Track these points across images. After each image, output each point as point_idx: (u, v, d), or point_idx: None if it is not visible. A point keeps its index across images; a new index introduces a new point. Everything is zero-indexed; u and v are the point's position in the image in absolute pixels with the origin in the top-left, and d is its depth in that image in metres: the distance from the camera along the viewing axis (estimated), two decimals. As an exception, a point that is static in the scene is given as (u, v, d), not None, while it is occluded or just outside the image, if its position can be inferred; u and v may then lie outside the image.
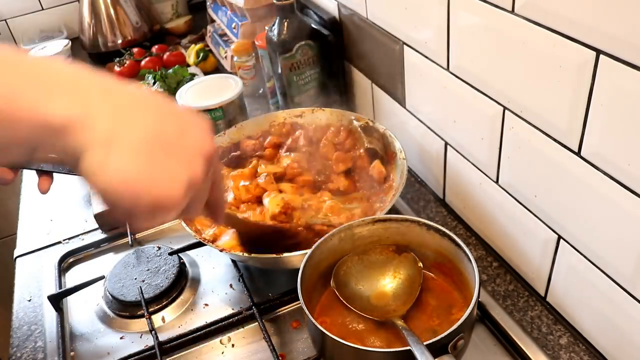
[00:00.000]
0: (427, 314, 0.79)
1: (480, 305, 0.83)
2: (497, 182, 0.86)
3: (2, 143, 0.42)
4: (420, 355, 0.63)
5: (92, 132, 0.41)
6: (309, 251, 0.78)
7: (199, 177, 0.47)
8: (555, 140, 0.69)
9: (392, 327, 0.75)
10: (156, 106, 0.47)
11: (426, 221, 0.80)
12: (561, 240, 0.76)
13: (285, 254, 0.83)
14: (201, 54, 1.70)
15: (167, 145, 0.45)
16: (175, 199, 0.45)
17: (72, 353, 0.91)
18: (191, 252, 1.04)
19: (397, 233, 0.83)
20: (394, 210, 1.05)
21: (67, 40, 1.73)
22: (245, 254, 0.87)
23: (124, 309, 0.95)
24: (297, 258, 0.81)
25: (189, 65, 1.71)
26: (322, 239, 0.80)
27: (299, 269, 0.75)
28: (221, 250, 0.88)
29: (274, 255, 0.84)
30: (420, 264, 0.81)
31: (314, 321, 0.69)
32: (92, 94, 0.43)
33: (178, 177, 0.45)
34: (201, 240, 0.89)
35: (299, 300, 0.72)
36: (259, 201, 1.00)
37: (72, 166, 0.43)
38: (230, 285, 0.98)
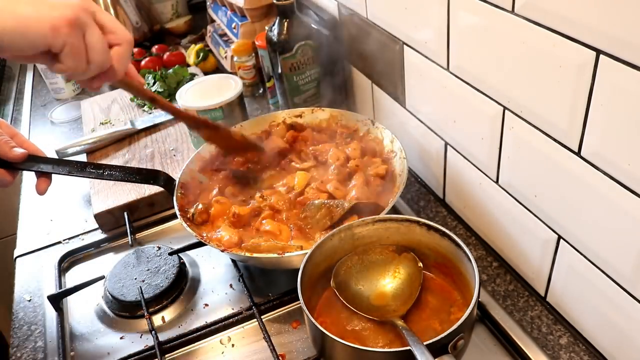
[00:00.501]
0: (427, 314, 0.79)
1: (480, 305, 0.83)
2: (497, 182, 0.86)
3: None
4: (420, 355, 0.63)
5: None
6: (309, 251, 0.78)
7: (80, 3, 0.62)
8: (555, 140, 0.69)
9: (392, 327, 0.75)
10: None
11: (426, 221, 0.80)
12: (561, 240, 0.76)
13: (287, 254, 0.83)
14: (201, 54, 1.70)
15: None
16: (66, 14, 0.60)
17: (72, 353, 0.91)
18: (191, 252, 1.04)
19: (397, 233, 0.83)
20: (394, 210, 1.05)
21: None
22: (247, 254, 0.87)
23: (124, 309, 0.95)
24: (298, 258, 0.81)
25: (189, 65, 1.71)
26: (322, 238, 0.80)
27: (299, 269, 0.75)
28: (222, 250, 0.88)
29: (275, 255, 0.84)
30: (420, 264, 0.81)
31: (314, 321, 0.69)
32: None
33: (64, 3, 0.60)
34: (202, 240, 0.89)
35: (299, 300, 0.72)
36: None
37: None
38: (230, 285, 0.98)
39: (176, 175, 1.03)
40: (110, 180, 0.96)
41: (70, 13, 0.60)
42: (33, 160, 0.88)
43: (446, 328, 0.65)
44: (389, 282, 0.83)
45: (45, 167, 0.89)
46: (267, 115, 1.16)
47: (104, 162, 1.27)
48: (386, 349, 0.72)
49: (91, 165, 0.96)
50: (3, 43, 0.59)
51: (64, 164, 0.93)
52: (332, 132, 1.12)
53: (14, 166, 0.85)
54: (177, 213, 0.94)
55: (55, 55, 0.62)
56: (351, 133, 1.10)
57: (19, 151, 0.82)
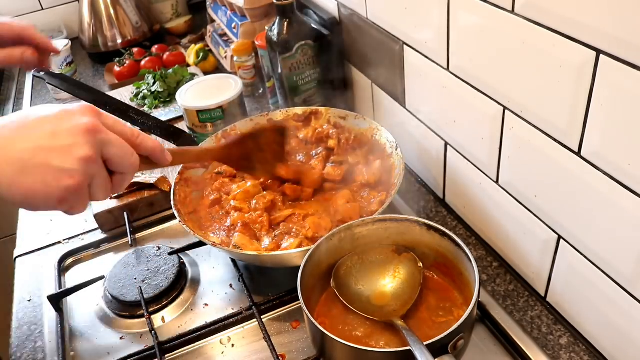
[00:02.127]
0: (427, 314, 0.79)
1: (480, 305, 0.83)
2: (497, 182, 0.86)
3: None
4: (420, 355, 0.63)
5: None
6: (309, 251, 0.78)
7: (88, 152, 0.58)
8: (555, 140, 0.69)
9: (392, 327, 0.75)
10: (23, 125, 0.58)
11: (426, 221, 0.80)
12: (561, 240, 0.76)
13: (289, 251, 0.83)
14: (201, 54, 1.70)
15: (44, 149, 0.56)
16: (75, 182, 0.57)
17: (72, 353, 0.91)
18: (191, 252, 1.04)
19: (397, 233, 0.83)
20: (394, 210, 1.05)
21: (67, 40, 1.73)
22: (248, 252, 0.87)
23: (124, 309, 0.95)
24: (298, 256, 0.81)
25: (189, 65, 1.71)
26: (322, 238, 0.80)
27: (298, 269, 0.75)
28: (235, 247, 0.89)
29: (276, 253, 0.84)
30: (421, 264, 0.81)
31: (313, 321, 0.69)
32: None
33: (67, 161, 0.57)
34: (202, 240, 0.90)
35: (299, 300, 0.72)
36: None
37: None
38: (230, 285, 0.98)
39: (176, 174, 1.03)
40: (141, 128, 0.99)
41: (77, 178, 0.57)
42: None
43: (446, 328, 0.65)
44: (389, 282, 0.83)
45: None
46: (260, 116, 1.15)
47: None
48: (386, 349, 0.72)
49: (132, 109, 1.04)
50: (17, 205, 0.58)
51: (110, 100, 1.01)
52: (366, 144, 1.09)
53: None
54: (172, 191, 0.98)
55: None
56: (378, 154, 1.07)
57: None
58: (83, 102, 0.62)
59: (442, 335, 0.64)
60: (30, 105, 1.73)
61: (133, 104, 1.53)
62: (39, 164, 0.56)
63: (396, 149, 1.00)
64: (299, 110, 1.15)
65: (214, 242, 0.90)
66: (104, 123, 0.60)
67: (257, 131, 0.95)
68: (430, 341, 0.64)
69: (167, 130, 1.07)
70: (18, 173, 0.55)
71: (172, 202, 0.96)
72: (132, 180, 1.13)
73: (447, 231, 0.77)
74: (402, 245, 0.83)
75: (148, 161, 0.68)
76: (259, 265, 0.98)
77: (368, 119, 1.08)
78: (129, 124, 0.73)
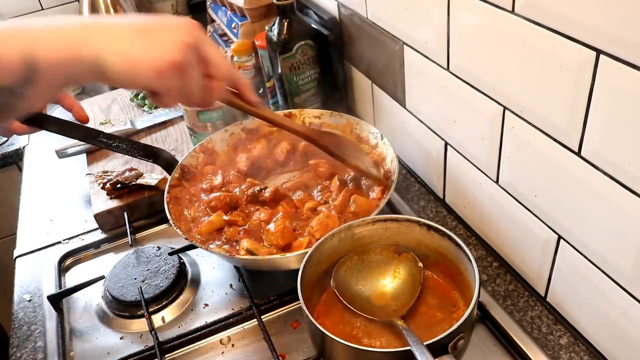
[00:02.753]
0: (428, 314, 0.79)
1: (480, 305, 0.83)
2: (497, 182, 0.86)
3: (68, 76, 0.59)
4: (420, 355, 0.63)
5: (96, 46, 0.58)
6: (308, 251, 0.78)
7: (190, 40, 0.62)
8: (555, 140, 0.69)
9: (393, 327, 0.75)
10: (137, 16, 0.64)
11: (426, 221, 0.80)
12: (561, 240, 0.76)
13: (287, 254, 0.83)
14: (201, 54, 1.70)
15: (149, 34, 0.61)
16: (171, 60, 0.60)
17: (72, 353, 0.91)
18: (191, 252, 1.04)
19: (397, 233, 0.83)
20: (394, 210, 1.05)
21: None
22: (247, 257, 0.87)
23: (124, 309, 0.95)
24: (295, 259, 0.81)
25: (189, 65, 1.70)
26: (322, 238, 0.80)
27: (298, 269, 0.75)
28: (236, 253, 0.88)
29: (276, 256, 0.84)
30: (420, 264, 0.81)
31: (313, 321, 0.69)
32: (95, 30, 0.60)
33: (172, 40, 0.61)
34: (194, 244, 0.90)
35: (299, 300, 0.72)
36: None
37: (100, 77, 0.59)
38: (230, 285, 0.98)
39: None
40: (116, 151, 1.04)
41: (179, 56, 0.61)
42: (50, 121, 0.95)
43: (446, 328, 0.65)
44: (389, 282, 0.83)
45: (57, 128, 0.97)
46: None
47: (103, 162, 1.27)
48: (386, 349, 0.72)
49: (102, 134, 1.03)
50: (112, 82, 0.61)
51: (78, 129, 1.00)
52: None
53: (38, 123, 0.91)
54: (165, 195, 0.98)
55: (156, 94, 0.65)
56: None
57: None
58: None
59: (442, 335, 0.64)
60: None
61: (133, 104, 1.54)
62: (147, 34, 0.60)
63: (381, 139, 1.02)
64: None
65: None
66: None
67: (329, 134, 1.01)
68: (430, 341, 0.64)
69: (144, 150, 1.06)
70: (128, 39, 0.59)
71: (171, 222, 0.93)
72: (135, 182, 1.13)
73: (447, 231, 0.77)
74: (402, 245, 0.83)
75: (234, 96, 0.76)
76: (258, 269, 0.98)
77: (344, 115, 1.10)
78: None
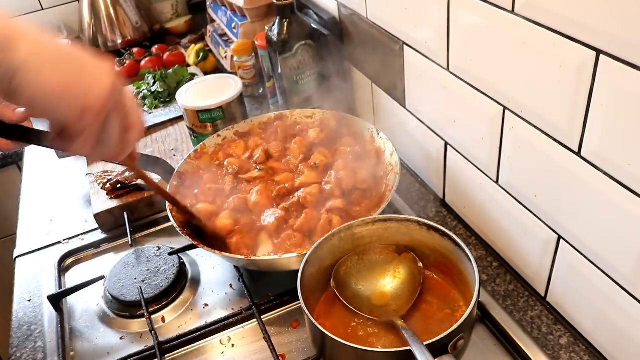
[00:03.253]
0: (428, 313, 0.79)
1: (480, 305, 0.83)
2: (497, 182, 0.86)
3: None
4: (420, 355, 0.63)
5: (18, 54, 0.50)
6: (309, 251, 0.78)
7: (114, 82, 0.57)
8: (555, 140, 0.69)
9: (393, 327, 0.75)
10: (65, 46, 0.56)
11: (426, 221, 0.80)
12: (561, 240, 0.76)
13: (285, 255, 0.83)
14: (201, 54, 1.70)
15: (79, 63, 0.55)
16: (100, 98, 0.55)
17: (72, 353, 0.91)
18: (191, 252, 1.04)
19: (398, 233, 0.83)
20: (394, 210, 1.05)
21: (67, 40, 1.73)
22: (242, 256, 0.87)
23: (124, 309, 0.95)
24: (296, 260, 0.81)
25: (189, 65, 1.71)
26: (322, 238, 0.80)
27: (298, 270, 0.75)
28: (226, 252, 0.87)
29: (275, 257, 0.84)
30: (421, 264, 0.81)
31: (314, 321, 0.69)
32: (19, 32, 0.52)
33: (103, 79, 0.56)
34: (194, 244, 0.89)
35: (299, 300, 0.72)
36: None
37: (6, 91, 0.51)
38: (230, 285, 0.98)
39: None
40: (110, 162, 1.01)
41: (107, 98, 0.56)
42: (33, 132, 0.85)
43: (446, 328, 0.65)
44: (389, 282, 0.83)
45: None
46: (270, 114, 1.16)
47: (103, 163, 1.27)
48: (386, 349, 0.72)
49: None
50: (19, 101, 0.53)
51: None
52: (337, 137, 1.09)
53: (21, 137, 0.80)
54: (168, 211, 0.94)
55: (67, 134, 0.58)
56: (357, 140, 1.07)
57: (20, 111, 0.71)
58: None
59: (442, 335, 0.64)
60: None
61: (133, 104, 1.53)
62: (79, 63, 0.54)
63: (378, 134, 1.01)
64: (263, 118, 1.16)
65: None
66: None
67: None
68: (430, 341, 0.64)
69: (140, 159, 1.04)
70: (59, 59, 0.53)
71: (178, 230, 0.91)
72: (135, 182, 1.14)
73: (447, 231, 0.77)
74: (402, 245, 0.83)
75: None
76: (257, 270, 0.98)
77: (337, 112, 1.09)
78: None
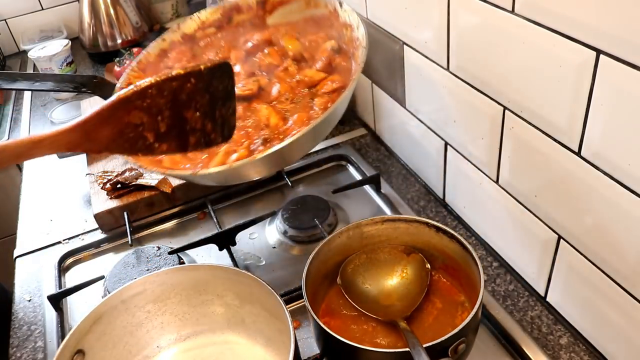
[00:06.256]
0: (433, 315, 0.78)
1: (480, 305, 0.83)
2: (497, 182, 0.86)
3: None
4: (417, 358, 0.62)
5: None
6: (315, 248, 0.78)
7: None
8: (555, 140, 0.69)
9: (397, 327, 0.75)
10: None
11: (435, 223, 0.80)
12: (561, 240, 0.76)
13: (236, 163, 0.73)
14: (201, 54, 1.70)
15: None
16: None
17: (72, 353, 0.91)
18: (191, 252, 1.04)
19: (406, 233, 0.83)
20: (394, 210, 1.05)
21: (67, 40, 1.73)
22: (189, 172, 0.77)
23: (124, 309, 0.95)
24: (250, 165, 0.73)
25: (189, 65, 1.70)
26: (330, 236, 0.80)
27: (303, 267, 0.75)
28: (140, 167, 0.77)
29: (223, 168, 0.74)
30: (428, 265, 0.81)
31: (317, 319, 0.69)
32: None
33: None
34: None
35: (298, 300, 0.72)
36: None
37: None
38: (230, 285, 0.97)
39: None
40: (41, 90, 0.93)
41: None
42: None
43: (450, 331, 0.65)
44: (396, 282, 0.82)
45: None
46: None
47: (103, 162, 1.27)
48: (385, 349, 0.72)
49: (22, 75, 0.95)
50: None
51: None
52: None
53: None
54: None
55: None
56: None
57: None
58: None
59: (442, 339, 0.64)
60: (31, 105, 1.73)
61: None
62: None
63: (340, 6, 0.89)
64: (211, 11, 0.99)
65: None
66: None
67: (174, 78, 0.60)
68: (430, 344, 0.64)
69: (72, 81, 0.92)
70: None
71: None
72: (135, 182, 1.14)
73: (456, 234, 0.77)
74: (410, 246, 0.83)
75: None
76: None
77: None
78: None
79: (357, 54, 0.84)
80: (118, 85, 0.92)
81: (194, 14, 1.00)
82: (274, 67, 0.92)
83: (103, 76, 1.53)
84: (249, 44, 0.97)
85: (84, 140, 0.60)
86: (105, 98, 0.82)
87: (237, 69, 0.94)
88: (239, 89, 0.87)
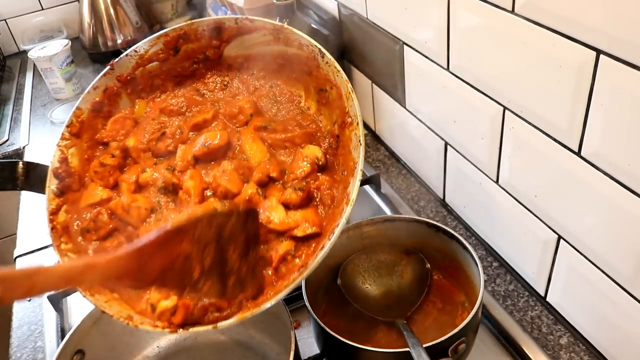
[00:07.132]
0: (433, 315, 0.79)
1: (480, 306, 0.83)
2: (497, 182, 0.86)
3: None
4: (418, 358, 0.62)
5: None
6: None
7: None
8: (555, 140, 0.69)
9: (397, 327, 0.75)
10: None
11: (435, 223, 0.80)
12: (561, 240, 0.76)
13: (222, 323, 0.61)
14: (201, 54, 1.70)
15: None
16: None
17: (72, 353, 0.91)
18: (191, 252, 1.04)
19: (406, 234, 0.83)
20: (394, 210, 1.05)
21: (67, 40, 1.73)
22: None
23: (124, 309, 0.95)
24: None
25: (189, 65, 1.70)
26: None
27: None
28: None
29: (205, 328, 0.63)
30: (428, 265, 0.81)
31: (317, 319, 0.69)
32: None
33: None
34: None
35: (299, 300, 0.72)
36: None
37: None
38: (230, 285, 0.97)
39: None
40: None
41: None
42: None
43: (449, 331, 0.65)
44: (396, 282, 0.82)
45: None
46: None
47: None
48: (385, 349, 0.72)
49: None
50: None
51: None
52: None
53: None
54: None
55: None
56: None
57: None
58: None
59: (442, 339, 0.64)
60: (31, 105, 1.73)
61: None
62: None
63: (322, 58, 0.68)
64: (150, 41, 0.78)
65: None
66: None
67: (220, 213, 0.61)
68: (430, 344, 0.64)
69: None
70: None
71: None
72: None
73: (455, 234, 0.77)
74: (410, 246, 0.83)
75: None
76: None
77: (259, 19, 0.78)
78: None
79: (345, 196, 0.63)
80: (51, 166, 0.77)
81: (129, 48, 0.79)
82: (232, 196, 0.70)
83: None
84: (206, 144, 0.73)
85: (137, 271, 0.55)
86: (38, 191, 0.72)
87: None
88: None
